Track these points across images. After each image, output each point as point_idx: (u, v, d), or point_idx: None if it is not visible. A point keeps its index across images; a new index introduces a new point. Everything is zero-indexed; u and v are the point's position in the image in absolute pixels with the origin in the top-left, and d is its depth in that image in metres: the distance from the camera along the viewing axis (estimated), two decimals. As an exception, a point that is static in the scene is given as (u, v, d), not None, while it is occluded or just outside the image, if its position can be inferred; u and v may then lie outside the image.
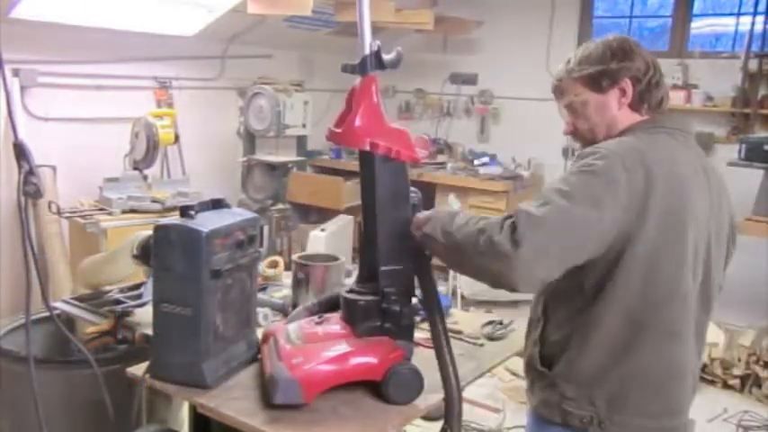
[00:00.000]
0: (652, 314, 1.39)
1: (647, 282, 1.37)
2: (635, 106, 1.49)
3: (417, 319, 1.88)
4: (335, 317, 1.68)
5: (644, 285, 1.37)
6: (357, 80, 1.57)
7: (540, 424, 1.53)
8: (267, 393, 1.52)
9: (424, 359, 1.63)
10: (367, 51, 1.53)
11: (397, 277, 1.59)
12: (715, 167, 1.54)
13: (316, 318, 1.71)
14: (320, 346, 1.56)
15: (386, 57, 1.54)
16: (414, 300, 1.62)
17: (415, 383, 1.56)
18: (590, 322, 1.41)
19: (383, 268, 1.58)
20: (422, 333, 1.81)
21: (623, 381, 1.42)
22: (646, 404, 1.43)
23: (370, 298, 1.60)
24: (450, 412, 1.54)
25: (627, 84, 1.47)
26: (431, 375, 1.55)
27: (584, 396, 1.43)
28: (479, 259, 1.33)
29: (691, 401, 1.53)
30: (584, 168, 1.34)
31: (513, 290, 1.32)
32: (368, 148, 1.54)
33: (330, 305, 1.77)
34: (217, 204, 1.76)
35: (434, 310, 1.55)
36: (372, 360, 1.54)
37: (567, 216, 1.29)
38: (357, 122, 1.53)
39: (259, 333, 1.82)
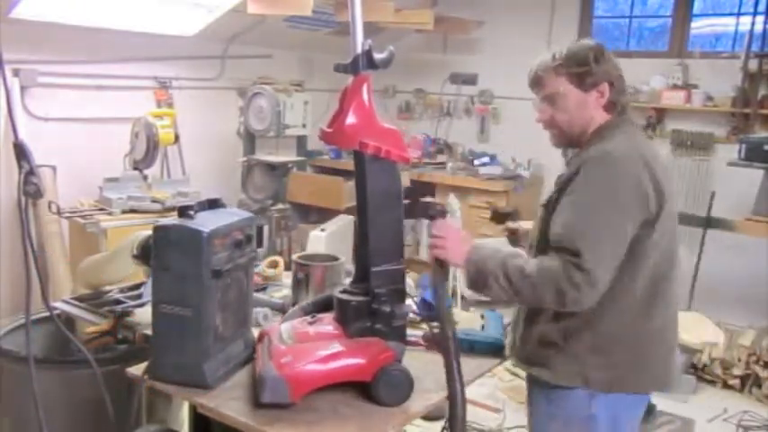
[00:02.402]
0: (663, 285, 1.60)
1: (661, 256, 1.57)
2: (608, 108, 1.66)
3: (417, 318, 1.88)
4: (328, 317, 1.68)
5: (660, 259, 1.57)
6: (349, 80, 1.56)
7: (558, 394, 1.63)
8: (256, 392, 1.52)
9: (423, 359, 1.62)
10: (359, 51, 1.53)
11: (389, 278, 1.58)
12: None
13: (309, 318, 1.70)
14: (310, 346, 1.56)
15: (377, 56, 1.53)
16: (408, 301, 1.61)
17: (405, 384, 1.54)
18: (615, 292, 1.54)
19: (374, 269, 1.57)
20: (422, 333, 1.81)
21: (644, 343, 1.60)
22: (661, 360, 1.65)
23: (361, 298, 1.59)
24: (453, 413, 1.53)
25: (605, 87, 1.64)
26: (431, 375, 1.55)
27: (609, 363, 1.58)
28: (556, 306, 1.52)
29: None
30: (598, 182, 1.52)
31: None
32: (357, 147, 1.53)
33: (325, 305, 1.77)
34: (213, 204, 1.76)
35: (450, 344, 1.53)
36: (361, 361, 1.53)
37: (610, 239, 1.49)
38: (347, 122, 1.53)
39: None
